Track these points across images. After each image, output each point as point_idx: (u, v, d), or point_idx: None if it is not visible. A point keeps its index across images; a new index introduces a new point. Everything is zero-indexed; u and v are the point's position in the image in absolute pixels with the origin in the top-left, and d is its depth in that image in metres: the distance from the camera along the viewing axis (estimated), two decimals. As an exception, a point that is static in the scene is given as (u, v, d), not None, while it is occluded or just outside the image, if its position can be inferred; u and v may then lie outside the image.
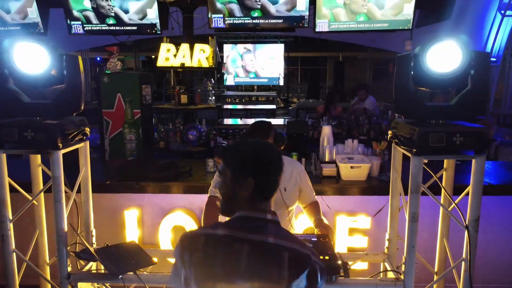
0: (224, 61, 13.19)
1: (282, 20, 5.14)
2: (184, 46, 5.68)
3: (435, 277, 3.06)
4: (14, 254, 2.84)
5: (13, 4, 5.41)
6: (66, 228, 2.76)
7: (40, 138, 2.57)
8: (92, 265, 3.03)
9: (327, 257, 2.56)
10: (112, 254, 2.86)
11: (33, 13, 5.42)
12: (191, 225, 4.00)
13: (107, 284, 3.00)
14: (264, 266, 1.67)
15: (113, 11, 5.29)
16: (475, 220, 2.56)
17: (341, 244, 3.89)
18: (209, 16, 5.15)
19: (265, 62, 16.30)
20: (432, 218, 3.29)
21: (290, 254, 1.68)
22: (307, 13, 5.06)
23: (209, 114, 9.48)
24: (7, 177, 2.74)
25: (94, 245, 3.19)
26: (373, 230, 3.95)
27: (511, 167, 4.64)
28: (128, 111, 5.11)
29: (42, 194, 3.04)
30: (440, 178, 2.91)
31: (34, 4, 5.34)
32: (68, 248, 2.83)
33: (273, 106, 12.63)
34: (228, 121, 9.19)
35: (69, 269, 2.82)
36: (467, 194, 2.68)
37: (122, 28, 5.41)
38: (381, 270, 3.16)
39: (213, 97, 7.04)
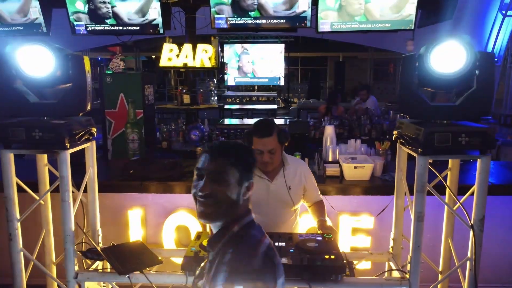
0: (226, 61, 13.20)
1: (284, 21, 5.16)
2: (187, 46, 5.69)
3: (440, 277, 3.07)
4: (22, 253, 2.85)
5: (16, 5, 5.42)
6: (73, 228, 2.77)
7: (48, 138, 2.58)
8: (99, 265, 3.05)
9: (332, 256, 2.57)
10: (118, 253, 2.88)
11: (36, 13, 5.43)
12: (194, 225, 4.01)
13: (114, 283, 3.00)
14: None
15: (116, 12, 5.30)
16: (480, 219, 2.58)
17: (344, 243, 3.89)
18: (211, 16, 5.16)
19: (264, 62, 16.32)
20: (435, 217, 3.31)
21: None
22: (310, 14, 5.07)
23: (210, 114, 9.50)
24: (15, 177, 2.75)
25: (100, 245, 3.20)
26: (376, 230, 3.96)
27: (513, 167, 4.66)
28: (131, 111, 5.12)
29: (48, 193, 3.05)
30: (445, 178, 2.92)
31: (37, 4, 5.35)
32: (75, 247, 2.84)
33: (274, 106, 12.66)
34: (229, 121, 9.22)
35: (76, 268, 2.83)
36: (472, 194, 2.70)
37: (125, 28, 5.43)
38: (386, 269, 3.18)
39: (216, 97, 7.05)
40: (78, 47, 10.53)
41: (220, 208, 1.73)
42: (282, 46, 16.18)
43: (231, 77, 16.11)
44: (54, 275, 3.20)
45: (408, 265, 2.71)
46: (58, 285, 3.07)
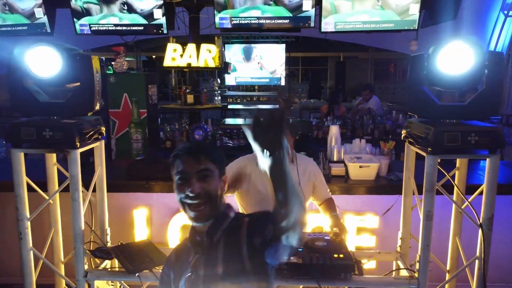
0: (230, 61, 13.19)
1: (288, 21, 5.16)
2: (191, 46, 5.68)
3: (447, 276, 3.08)
4: (31, 252, 2.86)
5: (20, 5, 5.41)
6: (83, 227, 2.78)
7: (58, 138, 2.59)
8: (107, 264, 3.06)
9: (341, 255, 2.59)
10: (127, 252, 2.89)
11: (40, 13, 5.43)
12: (199, 224, 4.01)
13: (123, 282, 3.01)
14: None
15: (119, 11, 5.30)
16: (489, 218, 2.59)
17: (349, 243, 3.89)
18: (215, 16, 5.16)
19: (265, 62, 16.29)
20: (442, 217, 3.31)
21: None
22: (313, 13, 5.07)
23: (213, 114, 9.51)
24: (25, 176, 2.76)
25: (109, 244, 3.21)
26: (381, 229, 3.97)
27: (517, 166, 4.67)
28: (135, 111, 5.12)
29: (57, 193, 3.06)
30: (452, 177, 2.93)
31: (41, 4, 5.35)
32: (84, 246, 2.85)
33: (276, 106, 12.65)
34: (231, 121, 9.21)
35: (86, 267, 2.83)
36: (480, 193, 2.71)
37: (129, 28, 5.42)
38: (393, 268, 3.19)
39: (219, 97, 7.05)
40: (81, 48, 10.50)
41: (212, 205, 1.78)
42: (283, 46, 16.15)
43: (232, 77, 16.08)
44: (63, 274, 3.20)
45: (417, 264, 2.72)
46: (67, 284, 3.08)
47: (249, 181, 3.05)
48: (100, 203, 3.17)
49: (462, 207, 2.82)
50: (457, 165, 2.95)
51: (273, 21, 5.18)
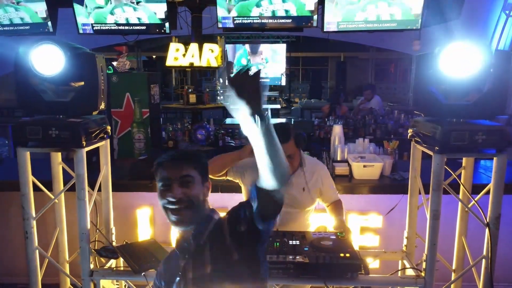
0: (232, 61, 13.22)
1: (290, 20, 5.15)
2: (193, 46, 5.68)
3: (453, 275, 3.08)
4: (37, 251, 2.85)
5: (22, 4, 5.41)
6: (88, 226, 2.77)
7: (65, 136, 2.59)
8: (112, 263, 3.05)
9: (348, 255, 2.58)
10: (132, 252, 2.88)
11: (42, 13, 5.42)
12: (203, 224, 4.01)
13: (128, 281, 3.00)
14: None
15: (123, 11, 5.30)
16: (496, 217, 2.59)
17: (352, 242, 3.90)
18: (218, 16, 5.16)
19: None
20: (447, 216, 3.31)
21: None
22: (316, 13, 5.07)
23: (214, 113, 9.49)
24: (31, 175, 2.76)
25: (114, 243, 3.20)
26: (385, 228, 3.97)
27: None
28: (137, 111, 5.12)
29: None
30: (458, 177, 2.93)
31: (43, 4, 5.34)
32: (90, 245, 2.84)
33: (278, 106, 12.66)
34: (232, 120, 9.21)
35: (91, 266, 2.83)
36: (486, 192, 2.71)
37: (131, 28, 5.42)
38: (399, 268, 3.19)
39: (222, 96, 7.03)
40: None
41: (194, 210, 1.85)
42: (284, 46, 16.17)
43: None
44: (68, 273, 3.20)
45: (423, 263, 2.71)
46: (72, 284, 3.08)
47: (248, 179, 3.08)
48: (106, 202, 3.16)
49: (469, 206, 2.81)
50: (463, 164, 2.95)
51: (275, 20, 5.17)
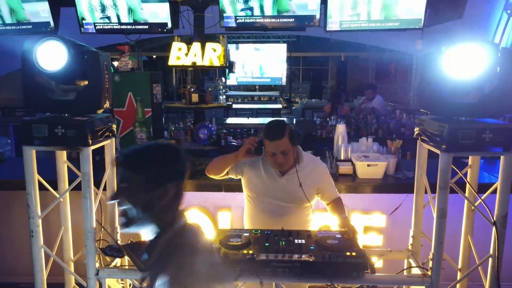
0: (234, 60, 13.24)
1: (293, 19, 5.14)
2: (196, 45, 5.66)
3: (459, 274, 3.08)
4: (42, 250, 2.84)
5: (25, 3, 5.40)
6: (94, 225, 2.77)
7: (71, 135, 2.58)
8: (117, 262, 3.04)
9: (354, 253, 2.58)
10: (138, 250, 2.87)
11: (45, 12, 5.41)
12: (206, 223, 4.01)
13: (134, 280, 3.00)
14: None
15: (124, 10, 5.29)
16: (503, 216, 2.59)
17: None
18: (220, 15, 5.15)
19: (266, 62, 16.33)
20: (452, 215, 3.30)
21: None
22: (319, 12, 5.06)
23: (216, 113, 9.49)
24: (36, 174, 2.75)
25: (119, 242, 3.20)
26: (388, 228, 3.97)
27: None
28: (139, 110, 5.11)
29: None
30: (465, 175, 2.93)
31: (46, 3, 5.33)
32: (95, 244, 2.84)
33: (279, 106, 12.70)
34: (235, 120, 9.21)
35: (97, 265, 2.82)
36: (493, 191, 2.71)
37: (134, 27, 5.40)
38: (401, 267, 3.19)
39: (224, 96, 7.03)
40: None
41: (133, 216, 1.68)
42: (284, 46, 16.18)
43: (233, 77, 16.10)
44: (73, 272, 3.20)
45: (430, 262, 2.71)
46: (77, 283, 3.07)
47: (255, 175, 3.09)
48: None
49: (475, 204, 2.81)
50: (470, 163, 2.94)
51: (278, 20, 5.16)
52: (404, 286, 3.11)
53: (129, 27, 5.41)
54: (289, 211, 3.06)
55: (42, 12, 5.43)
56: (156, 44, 15.82)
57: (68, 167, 3.12)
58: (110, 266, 2.96)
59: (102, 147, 3.02)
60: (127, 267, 2.99)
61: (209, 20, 5.76)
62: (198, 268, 1.59)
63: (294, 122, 7.73)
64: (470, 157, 2.94)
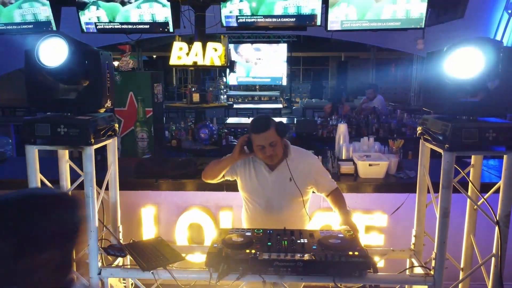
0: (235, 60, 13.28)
1: (294, 19, 5.14)
2: (197, 45, 5.67)
3: (461, 274, 3.07)
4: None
5: (26, 3, 5.40)
6: (97, 224, 2.77)
7: (73, 134, 2.58)
8: (119, 261, 3.04)
9: (356, 253, 2.57)
10: (140, 250, 2.88)
11: (46, 12, 5.42)
12: (207, 223, 4.01)
13: (136, 279, 3.00)
14: None
15: (125, 10, 5.29)
16: (506, 215, 2.58)
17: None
18: (221, 14, 5.15)
19: (266, 62, 16.34)
20: (453, 215, 3.30)
21: None
22: (320, 12, 5.06)
23: (216, 113, 9.51)
24: (39, 174, 2.75)
25: (121, 241, 3.20)
26: (390, 227, 3.97)
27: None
28: (140, 110, 5.13)
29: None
30: (467, 175, 2.92)
31: (47, 3, 5.33)
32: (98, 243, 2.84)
33: (279, 105, 12.72)
34: (236, 119, 9.22)
35: (99, 264, 2.82)
36: (495, 191, 2.70)
37: (135, 26, 5.40)
38: (402, 266, 3.19)
39: (225, 96, 7.05)
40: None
41: None
42: (285, 46, 16.19)
43: (233, 77, 16.10)
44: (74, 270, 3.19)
45: (433, 262, 2.71)
46: (80, 281, 3.07)
47: (246, 175, 3.11)
48: (113, 201, 3.16)
49: (478, 203, 2.81)
50: (472, 162, 2.94)
51: (279, 19, 5.16)
52: (406, 286, 3.11)
53: (130, 26, 5.41)
54: (282, 207, 3.07)
55: (43, 12, 5.43)
56: (156, 44, 15.84)
57: (69, 166, 3.12)
58: (113, 265, 2.95)
59: (103, 147, 3.01)
60: (129, 266, 2.98)
61: (210, 19, 5.76)
62: None
63: (295, 121, 7.73)
64: (473, 156, 2.93)
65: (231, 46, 15.11)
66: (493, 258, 2.68)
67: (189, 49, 5.72)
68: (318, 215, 3.93)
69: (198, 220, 4.04)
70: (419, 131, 2.87)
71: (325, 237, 2.75)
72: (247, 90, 18.56)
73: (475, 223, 3.03)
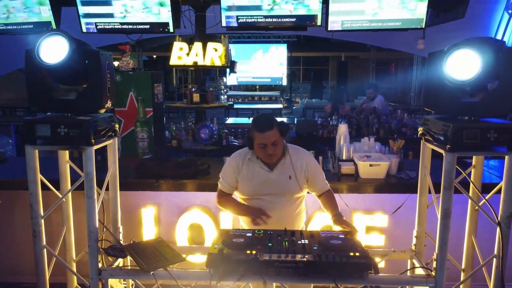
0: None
1: (294, 19, 5.13)
2: (197, 45, 5.67)
3: (463, 275, 3.07)
4: (45, 250, 2.84)
5: (26, 3, 5.40)
6: (97, 225, 2.76)
7: (74, 134, 2.57)
8: (120, 262, 3.04)
9: (357, 254, 2.56)
10: (140, 251, 2.86)
11: (46, 12, 5.41)
12: (208, 223, 4.01)
13: (137, 280, 2.99)
14: None
15: (126, 10, 5.28)
16: (507, 216, 2.57)
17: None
18: (222, 14, 5.14)
19: (266, 62, 16.34)
20: (456, 215, 3.30)
21: None
22: (320, 12, 5.05)
23: (216, 113, 9.50)
24: (39, 174, 2.74)
25: (121, 242, 3.19)
26: (390, 228, 3.96)
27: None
28: (141, 110, 5.11)
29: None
30: (468, 175, 2.92)
31: (47, 2, 5.33)
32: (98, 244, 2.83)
33: (280, 105, 12.73)
34: (236, 120, 9.20)
35: (100, 265, 2.82)
36: (497, 191, 2.70)
37: (135, 27, 5.39)
38: (403, 267, 3.17)
39: (226, 96, 7.05)
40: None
41: None
42: (285, 46, 16.20)
43: (233, 77, 16.11)
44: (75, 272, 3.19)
45: (434, 262, 2.70)
46: (79, 283, 3.07)
47: (243, 178, 3.11)
48: (113, 201, 3.15)
49: (480, 204, 2.80)
50: (473, 162, 2.94)
51: (279, 19, 5.15)
52: (407, 287, 3.10)
53: (130, 27, 5.40)
54: (281, 205, 3.08)
55: (43, 12, 5.42)
56: (156, 44, 15.84)
57: (69, 166, 3.12)
58: (113, 266, 2.94)
59: (103, 147, 3.00)
60: (129, 267, 2.98)
61: (210, 20, 5.76)
62: None
63: (295, 122, 7.73)
64: (474, 157, 2.93)
65: (231, 46, 15.15)
66: (494, 259, 2.67)
67: (190, 49, 5.72)
68: (318, 216, 3.93)
69: (198, 220, 4.03)
70: (420, 132, 2.86)
71: (326, 238, 2.74)
72: (247, 90, 18.56)
73: (477, 223, 3.02)
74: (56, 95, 2.73)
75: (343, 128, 4.58)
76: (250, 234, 2.79)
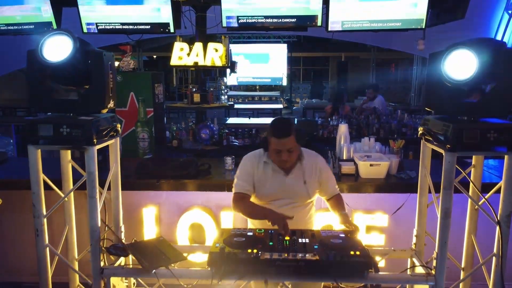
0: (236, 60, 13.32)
1: (295, 20, 5.14)
2: (198, 45, 5.68)
3: (462, 274, 3.08)
4: (47, 249, 2.85)
5: (27, 4, 5.41)
6: (99, 224, 2.77)
7: (76, 134, 2.59)
8: (122, 261, 3.05)
9: (358, 252, 2.58)
10: (142, 250, 2.88)
11: (47, 12, 5.42)
12: (209, 223, 4.02)
13: (139, 279, 3.00)
14: None
15: (126, 10, 5.29)
16: (507, 215, 2.59)
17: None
18: (222, 15, 5.15)
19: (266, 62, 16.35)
20: (455, 215, 3.31)
21: None
22: (320, 13, 5.06)
23: (217, 113, 9.50)
24: (41, 173, 2.76)
25: (123, 241, 3.20)
26: (390, 227, 3.97)
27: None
28: (141, 110, 5.11)
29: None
30: (468, 175, 2.93)
31: (48, 3, 5.34)
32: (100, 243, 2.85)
33: (280, 106, 12.73)
34: (236, 120, 9.20)
35: (102, 264, 2.83)
36: (496, 191, 2.71)
37: (136, 27, 5.40)
38: (403, 266, 3.19)
39: (226, 96, 7.06)
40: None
41: None
42: (285, 46, 16.20)
43: (233, 77, 16.11)
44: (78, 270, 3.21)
45: (434, 261, 2.71)
46: (81, 282, 3.08)
47: (258, 180, 3.10)
48: (115, 201, 3.17)
49: (479, 203, 2.82)
50: (473, 162, 2.95)
51: (280, 20, 5.16)
52: (407, 286, 3.12)
53: (131, 27, 5.41)
54: (295, 209, 3.07)
55: (44, 12, 5.43)
56: (156, 44, 15.84)
57: (71, 166, 3.13)
58: (115, 265, 2.96)
59: (104, 147, 3.02)
60: (131, 266, 3.00)
61: (211, 20, 5.77)
62: None
63: (296, 122, 7.74)
64: (473, 156, 2.94)
65: (232, 46, 15.17)
66: (494, 258, 2.69)
67: (190, 49, 5.74)
68: (319, 215, 3.93)
69: (199, 220, 4.04)
70: (420, 132, 2.88)
71: (327, 237, 2.76)
72: (248, 90, 18.57)
73: (476, 223, 3.04)
74: (57, 95, 2.74)
75: (343, 128, 4.59)
76: (251, 233, 2.80)
